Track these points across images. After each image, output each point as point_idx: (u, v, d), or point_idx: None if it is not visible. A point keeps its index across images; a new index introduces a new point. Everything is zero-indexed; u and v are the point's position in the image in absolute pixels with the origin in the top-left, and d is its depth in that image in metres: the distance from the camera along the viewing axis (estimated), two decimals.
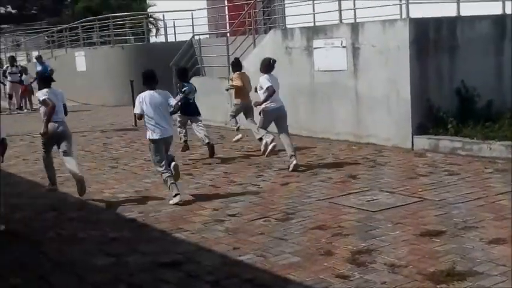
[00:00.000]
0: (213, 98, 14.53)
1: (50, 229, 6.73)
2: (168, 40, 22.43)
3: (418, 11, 10.61)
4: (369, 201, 7.25)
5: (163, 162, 7.64)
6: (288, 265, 5.26)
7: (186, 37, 18.86)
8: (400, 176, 8.45)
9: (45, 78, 8.52)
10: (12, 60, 21.88)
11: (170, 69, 16.06)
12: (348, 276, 4.92)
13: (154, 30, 27.00)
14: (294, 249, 5.68)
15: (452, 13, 11.04)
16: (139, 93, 7.86)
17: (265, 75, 9.38)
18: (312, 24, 12.63)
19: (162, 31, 24.35)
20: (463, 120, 10.07)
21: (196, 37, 18.22)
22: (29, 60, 27.75)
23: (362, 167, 9.15)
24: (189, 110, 10.37)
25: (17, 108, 20.87)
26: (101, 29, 23.53)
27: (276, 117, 9.35)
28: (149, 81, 7.78)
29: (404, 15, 10.52)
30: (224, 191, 8.12)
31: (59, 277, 5.31)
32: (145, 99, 7.63)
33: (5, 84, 21.39)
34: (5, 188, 7.35)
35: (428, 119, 10.28)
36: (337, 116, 11.51)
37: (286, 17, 15.21)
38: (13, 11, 62.99)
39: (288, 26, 13.60)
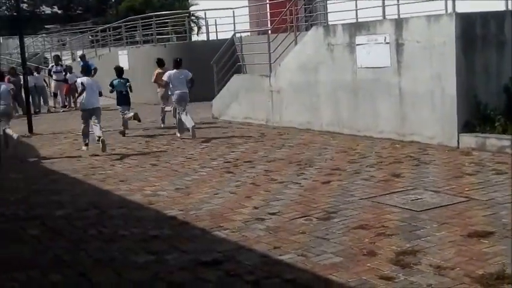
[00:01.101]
0: (254, 96, 14.47)
1: (91, 226, 6.74)
2: (210, 38, 22.47)
3: (464, 6, 10.32)
4: (413, 200, 7.06)
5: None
6: (330, 265, 5.14)
7: (228, 35, 18.85)
8: (446, 175, 8.21)
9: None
10: (57, 59, 22.24)
11: (211, 67, 16.09)
12: (392, 277, 4.76)
13: (196, 29, 27.09)
14: (336, 249, 5.55)
15: (501, 7, 10.70)
16: None
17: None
18: (354, 21, 12.43)
19: (203, 29, 24.37)
20: (511, 117, 9.75)
21: (238, 35, 18.18)
22: (73, 59, 28.15)
23: (406, 166, 8.94)
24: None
25: (61, 107, 21.18)
26: (143, 28, 23.72)
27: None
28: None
29: (450, 10, 10.24)
30: (265, 189, 8.02)
31: (98, 274, 5.29)
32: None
33: (47, 85, 21.79)
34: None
35: (474, 117, 9.99)
36: (380, 114, 11.29)
37: (328, 14, 15.00)
38: (59, 11, 64.29)
39: (330, 23, 13.41)
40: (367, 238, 5.79)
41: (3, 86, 12.22)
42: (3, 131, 11.98)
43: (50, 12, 64.59)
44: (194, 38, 26.58)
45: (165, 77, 13.19)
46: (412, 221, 6.21)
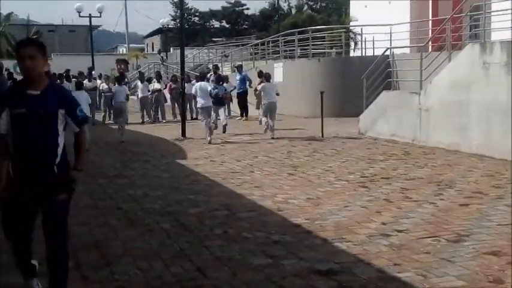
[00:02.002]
0: (401, 113, 14.11)
1: (218, 226, 6.93)
2: (366, 54, 22.30)
3: None
4: None
5: None
6: None
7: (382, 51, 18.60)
8: None
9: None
10: (216, 68, 23.21)
11: (362, 82, 15.97)
12: None
13: (352, 44, 27.01)
14: (459, 272, 5.24)
15: None
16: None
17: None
18: None
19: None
20: None
21: (392, 51, 17.87)
22: (233, 70, 29.30)
23: None
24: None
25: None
26: (300, 42, 24.10)
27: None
28: None
29: None
30: (397, 206, 7.77)
31: (215, 271, 5.42)
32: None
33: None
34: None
35: None
36: None
37: (486, 31, 14.30)
38: (227, 25, 67.31)
39: (487, 40, 12.74)
40: (497, 265, 5.40)
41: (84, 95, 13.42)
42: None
43: (218, 26, 67.91)
44: (351, 53, 26.53)
45: (259, 87, 16.45)
46: None
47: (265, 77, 16.36)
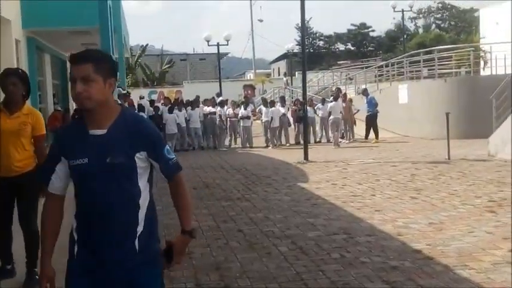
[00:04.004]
0: None
1: (336, 250, 6.90)
2: (497, 73, 21.37)
3: None
4: None
5: None
6: None
7: None
8: None
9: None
10: (337, 91, 23.18)
11: (491, 102, 15.30)
12: None
13: (482, 63, 25.96)
14: None
15: None
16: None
17: None
18: None
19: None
20: None
21: None
22: (358, 93, 29.12)
23: None
24: None
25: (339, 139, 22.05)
26: (426, 62, 23.54)
27: None
28: None
29: None
30: None
31: None
32: None
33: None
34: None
35: None
36: None
37: None
38: (352, 48, 67.08)
39: None
40: None
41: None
42: None
43: (343, 49, 67.85)
44: (482, 72, 25.50)
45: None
46: None
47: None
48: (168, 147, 3.09)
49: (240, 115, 21.72)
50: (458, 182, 11.37)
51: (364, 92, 22.59)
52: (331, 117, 20.89)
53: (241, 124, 21.69)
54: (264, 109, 22.12)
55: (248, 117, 21.57)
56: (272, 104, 21.99)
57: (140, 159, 2.98)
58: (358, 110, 22.07)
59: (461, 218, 8.31)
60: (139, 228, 2.99)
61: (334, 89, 25.86)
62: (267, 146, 21.23)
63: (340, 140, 21.75)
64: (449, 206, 9.18)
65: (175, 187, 3.12)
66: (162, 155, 3.03)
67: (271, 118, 21.14)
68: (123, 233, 2.96)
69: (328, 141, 21.54)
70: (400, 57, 25.74)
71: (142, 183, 3.03)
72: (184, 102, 23.15)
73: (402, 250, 6.86)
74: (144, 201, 3.02)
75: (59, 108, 19.53)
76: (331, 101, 21.65)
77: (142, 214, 3.01)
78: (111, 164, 2.91)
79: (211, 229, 8.27)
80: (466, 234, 7.38)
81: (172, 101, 23.35)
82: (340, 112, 21.27)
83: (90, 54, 2.94)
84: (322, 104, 22.18)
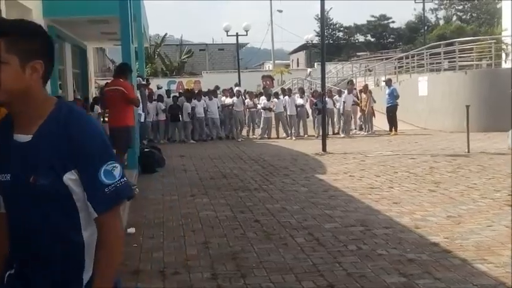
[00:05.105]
0: None
1: (353, 242, 6.89)
2: None
3: None
4: None
5: None
6: None
7: None
8: None
9: None
10: (351, 83, 23.00)
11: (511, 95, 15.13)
12: None
13: (504, 55, 25.67)
14: None
15: None
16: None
17: None
18: None
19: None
20: None
21: None
22: (377, 85, 28.95)
23: None
24: None
25: (358, 130, 21.95)
26: (447, 55, 23.31)
27: None
28: None
29: None
30: None
31: (345, 287, 5.40)
32: None
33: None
34: None
35: None
36: None
37: None
38: (372, 39, 66.64)
39: None
40: None
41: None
42: None
43: (363, 40, 67.42)
44: (503, 64, 25.22)
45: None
46: None
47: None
48: (116, 167, 2.07)
49: (262, 105, 21.72)
50: (478, 176, 11.27)
51: (388, 83, 22.38)
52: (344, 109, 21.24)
53: (263, 115, 21.67)
54: (275, 100, 21.90)
55: (270, 109, 21.54)
56: (284, 92, 21.94)
57: (73, 181, 2.03)
58: (375, 102, 21.92)
59: (480, 212, 8.25)
60: (85, 276, 2.11)
61: (348, 80, 25.68)
62: (288, 137, 21.15)
63: (358, 132, 21.68)
64: (468, 199, 9.11)
65: (102, 227, 2.07)
66: (95, 178, 2.01)
67: (284, 107, 21.11)
68: (58, 281, 2.10)
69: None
70: (420, 49, 25.52)
71: (84, 214, 2.08)
72: (203, 92, 23.19)
73: (419, 243, 6.83)
74: (91, 239, 2.10)
75: (79, 97, 19.64)
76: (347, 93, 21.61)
77: (89, 255, 2.11)
78: (33, 186, 2.01)
79: (228, 219, 8.29)
80: (484, 228, 7.33)
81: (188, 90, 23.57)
82: (352, 104, 21.23)
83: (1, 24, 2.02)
84: (339, 96, 22.07)
